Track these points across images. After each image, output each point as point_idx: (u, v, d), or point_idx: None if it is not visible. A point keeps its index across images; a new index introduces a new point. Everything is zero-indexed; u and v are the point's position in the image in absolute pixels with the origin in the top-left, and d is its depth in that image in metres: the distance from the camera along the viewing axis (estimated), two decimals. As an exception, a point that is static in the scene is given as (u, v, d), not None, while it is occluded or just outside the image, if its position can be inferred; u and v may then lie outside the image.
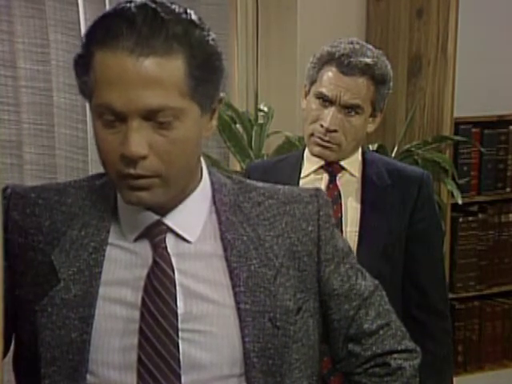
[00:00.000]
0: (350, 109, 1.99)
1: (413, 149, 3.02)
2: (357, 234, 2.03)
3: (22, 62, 2.93)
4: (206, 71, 1.17)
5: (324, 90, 1.99)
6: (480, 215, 3.18)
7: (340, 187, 2.06)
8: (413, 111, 3.07)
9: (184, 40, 1.15)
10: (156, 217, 1.25)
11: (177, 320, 1.21)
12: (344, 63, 1.96)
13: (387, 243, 2.02)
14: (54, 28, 2.94)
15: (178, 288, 1.22)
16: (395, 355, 1.38)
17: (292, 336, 1.25)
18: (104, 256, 1.24)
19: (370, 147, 2.86)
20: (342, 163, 2.07)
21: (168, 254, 1.24)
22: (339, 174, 2.07)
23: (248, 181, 1.36)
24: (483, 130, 3.13)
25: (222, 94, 1.24)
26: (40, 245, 1.26)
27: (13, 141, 2.97)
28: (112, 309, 1.22)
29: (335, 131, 1.99)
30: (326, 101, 1.99)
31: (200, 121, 1.20)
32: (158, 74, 1.13)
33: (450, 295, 2.86)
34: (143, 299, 1.21)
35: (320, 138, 2.00)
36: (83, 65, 1.17)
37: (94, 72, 1.15)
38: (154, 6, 1.14)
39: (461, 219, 3.13)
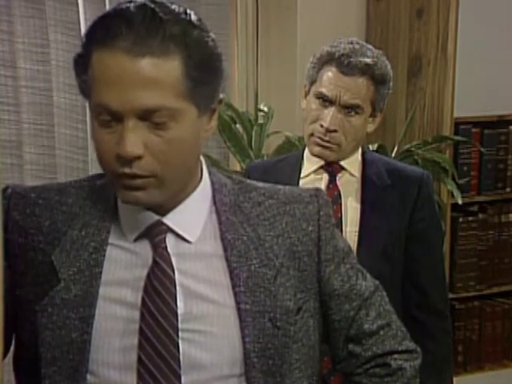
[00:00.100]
0: (349, 109, 1.99)
1: (413, 149, 3.02)
2: (357, 234, 2.03)
3: (22, 61, 2.93)
4: (203, 72, 1.17)
5: (324, 90, 1.99)
6: (480, 215, 3.18)
7: (340, 187, 2.06)
8: (413, 111, 3.07)
9: (182, 40, 1.14)
10: (156, 217, 1.25)
11: (177, 320, 1.21)
12: (344, 63, 1.96)
13: (387, 243, 2.02)
14: (54, 28, 2.94)
15: (178, 288, 1.22)
16: (396, 356, 1.38)
17: (292, 336, 1.25)
18: (104, 256, 1.24)
19: (370, 147, 2.86)
20: (342, 163, 2.07)
21: (168, 254, 1.24)
22: (339, 174, 2.07)
23: (248, 181, 1.36)
24: (483, 130, 3.13)
25: (221, 95, 1.24)
26: (40, 245, 1.26)
27: (13, 141, 2.97)
28: (112, 309, 1.22)
29: (335, 131, 1.99)
30: (325, 101, 1.99)
31: (197, 122, 1.20)
32: (154, 74, 1.13)
33: (450, 295, 2.86)
34: (143, 299, 1.21)
35: (320, 137, 2.00)
36: (82, 64, 1.18)
37: (93, 71, 1.16)
38: (152, 6, 1.14)
39: (461, 219, 3.13)
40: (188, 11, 1.19)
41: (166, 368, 1.20)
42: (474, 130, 3.10)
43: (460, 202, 2.96)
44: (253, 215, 1.29)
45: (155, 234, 1.25)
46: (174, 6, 1.18)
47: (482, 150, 3.11)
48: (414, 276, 2.07)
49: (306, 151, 2.10)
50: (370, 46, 2.04)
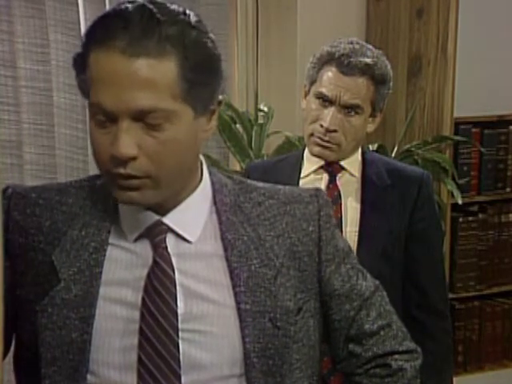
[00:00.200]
0: (349, 109, 1.99)
1: (413, 149, 3.02)
2: (357, 234, 2.03)
3: (22, 61, 2.93)
4: (201, 73, 1.17)
5: (324, 90, 1.99)
6: (480, 215, 3.18)
7: (340, 187, 2.06)
8: (413, 111, 3.07)
9: (178, 42, 1.14)
10: (156, 217, 1.25)
11: (177, 320, 1.21)
12: (344, 63, 1.96)
13: (387, 243, 2.02)
14: (54, 28, 2.94)
15: (178, 288, 1.22)
16: (396, 356, 1.38)
17: (292, 336, 1.25)
18: (104, 256, 1.24)
19: (370, 147, 2.86)
20: (342, 163, 2.07)
21: (168, 253, 1.24)
22: (339, 174, 2.07)
23: (249, 181, 1.36)
24: (483, 130, 3.13)
25: (221, 97, 1.24)
26: (40, 245, 1.26)
27: (13, 141, 2.97)
28: (112, 309, 1.22)
29: (335, 131, 1.99)
30: (325, 101, 1.99)
31: (194, 123, 1.19)
32: (149, 75, 1.13)
33: (450, 295, 2.86)
34: (143, 299, 1.21)
35: (320, 137, 2.01)
36: (81, 64, 1.18)
37: (90, 71, 1.16)
38: (150, 6, 1.14)
39: (461, 219, 3.13)
40: (187, 12, 1.18)
41: (166, 368, 1.20)
42: (474, 129, 3.10)
43: (460, 201, 2.96)
44: (253, 215, 1.28)
45: (155, 234, 1.25)
46: (173, 7, 1.17)
47: (482, 150, 3.11)
48: (413, 276, 2.07)
49: (306, 151, 2.10)
50: (370, 46, 2.04)
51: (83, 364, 1.21)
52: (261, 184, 1.35)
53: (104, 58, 1.13)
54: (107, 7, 2.94)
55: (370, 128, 2.08)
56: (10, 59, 2.93)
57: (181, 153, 1.18)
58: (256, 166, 2.29)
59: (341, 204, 2.04)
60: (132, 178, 1.16)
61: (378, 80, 2.00)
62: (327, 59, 1.99)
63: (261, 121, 3.13)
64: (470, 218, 3.15)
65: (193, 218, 1.26)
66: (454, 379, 2.23)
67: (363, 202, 2.05)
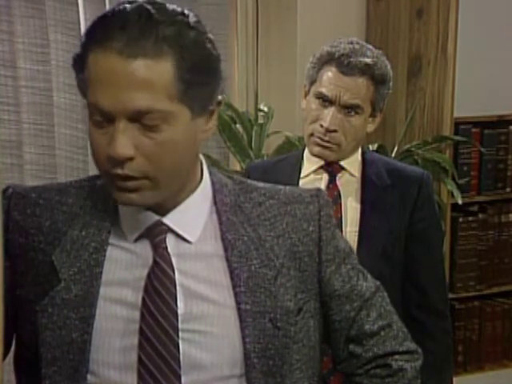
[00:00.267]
0: (349, 109, 1.99)
1: (413, 149, 3.02)
2: (357, 234, 2.03)
3: (22, 61, 2.93)
4: (198, 74, 1.16)
5: (324, 90, 1.99)
6: (480, 215, 3.18)
7: (340, 187, 2.06)
8: (413, 111, 3.07)
9: (175, 42, 1.14)
10: (156, 217, 1.25)
11: (177, 320, 1.21)
12: (344, 63, 1.97)
13: (387, 243, 2.02)
14: (54, 28, 2.94)
15: (178, 288, 1.22)
16: (396, 356, 1.38)
17: (293, 337, 1.25)
18: (105, 256, 1.24)
19: (370, 147, 2.86)
20: (342, 163, 2.07)
21: (168, 254, 1.24)
22: (339, 174, 2.07)
23: (249, 181, 1.36)
24: (483, 130, 3.13)
25: (220, 97, 1.23)
26: (41, 245, 1.26)
27: (13, 141, 2.97)
28: (113, 309, 1.22)
29: (335, 131, 1.99)
30: (325, 101, 1.99)
31: (191, 124, 1.19)
32: (145, 75, 1.12)
33: (450, 295, 2.86)
34: (143, 299, 1.21)
35: (320, 137, 2.01)
36: (80, 64, 1.18)
37: (88, 71, 1.16)
38: (148, 7, 1.14)
39: (461, 219, 3.13)
40: (186, 12, 1.18)
41: (166, 368, 1.20)
42: (474, 129, 3.10)
43: (460, 201, 2.96)
44: (253, 215, 1.28)
45: (155, 234, 1.25)
46: (171, 7, 1.17)
47: (482, 150, 3.11)
48: (414, 276, 2.07)
49: (306, 151, 2.10)
50: (370, 46, 2.04)
51: (83, 364, 1.21)
52: (261, 184, 1.35)
53: (102, 59, 1.13)
54: (107, 7, 2.94)
55: (370, 128, 2.08)
56: (10, 59, 2.93)
57: (178, 153, 1.18)
58: (256, 166, 2.29)
59: (341, 204, 2.04)
60: (130, 178, 1.16)
61: (377, 80, 2.00)
62: (327, 59, 1.99)
63: (261, 121, 3.13)
64: (470, 218, 3.15)
65: (193, 218, 1.26)
66: (454, 379, 2.23)
67: (363, 202, 2.05)
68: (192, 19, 1.18)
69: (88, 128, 1.20)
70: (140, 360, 1.20)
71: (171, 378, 1.20)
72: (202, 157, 1.31)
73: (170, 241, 1.25)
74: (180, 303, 1.22)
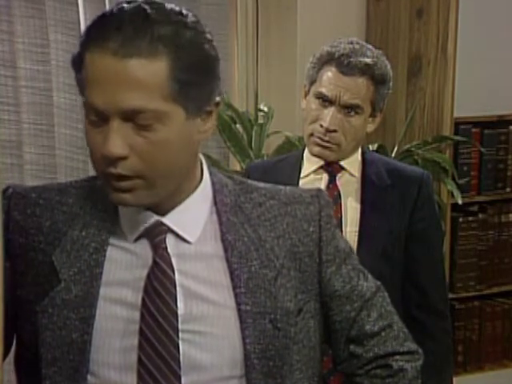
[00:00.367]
0: (349, 109, 1.99)
1: (413, 149, 3.02)
2: (357, 234, 2.03)
3: (22, 61, 2.93)
4: (193, 74, 1.16)
5: (324, 90, 1.99)
6: (480, 215, 3.18)
7: (340, 187, 2.06)
8: (413, 111, 3.07)
9: (171, 42, 1.14)
10: (156, 217, 1.25)
11: (177, 321, 1.21)
12: (344, 63, 1.97)
13: (387, 243, 2.02)
14: (54, 28, 2.94)
15: (178, 289, 1.22)
16: (397, 357, 1.38)
17: (293, 337, 1.25)
18: (105, 256, 1.24)
19: (370, 147, 2.86)
20: (342, 163, 2.07)
21: (168, 254, 1.24)
22: (339, 174, 2.07)
23: (249, 181, 1.35)
24: (483, 130, 3.13)
25: (218, 98, 1.23)
26: (41, 245, 1.26)
27: (13, 141, 2.97)
28: (113, 309, 1.22)
29: (335, 131, 1.99)
30: (325, 101, 1.99)
31: (187, 124, 1.18)
32: (139, 75, 1.12)
33: (450, 295, 2.86)
34: (143, 300, 1.21)
35: (320, 137, 2.01)
36: (78, 63, 1.18)
37: (85, 71, 1.16)
38: (146, 6, 1.14)
39: (461, 219, 3.13)
40: (185, 12, 1.18)
41: (166, 369, 1.20)
42: (474, 129, 3.10)
43: (460, 202, 2.96)
44: (254, 216, 1.28)
45: (155, 235, 1.25)
46: (170, 7, 1.17)
47: (482, 150, 3.11)
48: (414, 276, 2.07)
49: (306, 151, 2.10)
50: (370, 46, 2.04)
51: (83, 364, 1.21)
52: (261, 184, 1.35)
53: (97, 59, 1.13)
54: (107, 7, 2.94)
55: (370, 128, 2.08)
56: (10, 59, 2.93)
57: (172, 153, 1.18)
58: (256, 166, 2.29)
59: (341, 204, 2.04)
60: (123, 178, 1.16)
61: (377, 80, 2.00)
62: (327, 59, 1.99)
63: (261, 121, 3.13)
64: (470, 218, 3.15)
65: (193, 218, 1.26)
66: (454, 379, 2.23)
67: (363, 202, 2.05)
68: (190, 19, 1.18)
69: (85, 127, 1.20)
70: (140, 360, 1.20)
71: (171, 378, 1.20)
72: (202, 157, 1.30)
73: (170, 241, 1.25)
74: (180, 304, 1.22)
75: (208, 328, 1.22)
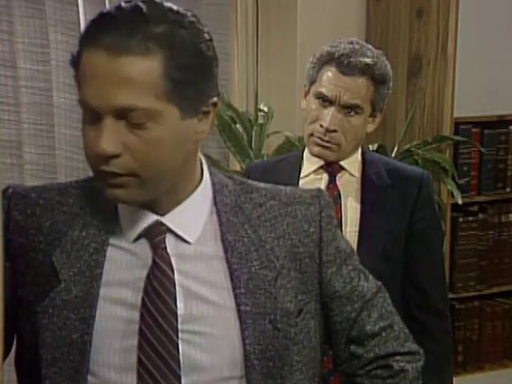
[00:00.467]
0: (349, 109, 1.99)
1: (413, 149, 3.02)
2: (357, 234, 2.03)
3: (22, 61, 2.93)
4: (188, 74, 1.16)
5: (324, 90, 1.99)
6: (480, 215, 3.18)
7: (340, 187, 2.06)
8: (413, 111, 3.07)
9: (165, 41, 1.14)
10: (155, 217, 1.25)
11: (176, 321, 1.20)
12: (344, 63, 1.96)
13: (387, 243, 2.02)
14: (54, 28, 2.94)
15: (178, 289, 1.22)
16: (398, 357, 1.38)
17: (293, 338, 1.25)
18: (105, 257, 1.24)
19: (370, 147, 2.86)
20: (342, 163, 2.07)
21: (168, 254, 1.24)
22: (339, 174, 2.07)
23: (250, 181, 1.35)
24: (483, 130, 3.13)
25: (215, 99, 1.22)
26: (41, 245, 1.26)
27: (13, 141, 2.97)
28: (113, 310, 1.22)
29: (335, 131, 1.99)
30: (325, 101, 1.99)
31: (181, 124, 1.18)
32: (130, 73, 1.12)
33: (450, 295, 2.86)
34: (143, 300, 1.21)
35: (320, 137, 2.00)
36: (76, 62, 1.18)
37: (81, 68, 1.16)
38: (142, 5, 1.14)
39: (461, 219, 3.13)
40: (183, 11, 1.18)
41: (165, 369, 1.20)
42: (474, 130, 3.10)
43: (460, 202, 2.96)
44: (254, 216, 1.28)
45: (154, 235, 1.25)
46: (168, 6, 1.17)
47: (482, 150, 3.11)
48: (414, 276, 2.07)
49: (306, 151, 2.10)
50: (370, 46, 2.04)
51: (84, 365, 1.21)
52: (262, 185, 1.35)
53: (92, 56, 1.14)
54: (107, 7, 2.94)
55: (370, 128, 2.08)
56: (10, 59, 2.93)
57: (166, 152, 1.17)
58: (256, 166, 2.29)
59: (341, 204, 2.04)
60: (116, 175, 1.16)
61: (377, 80, 2.00)
62: (327, 59, 1.99)
63: (261, 121, 3.13)
64: (470, 218, 3.15)
65: (192, 218, 1.26)
66: (454, 379, 2.23)
67: (363, 202, 2.05)
68: (187, 19, 1.17)
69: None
70: (140, 361, 1.20)
71: (171, 378, 1.20)
72: (202, 157, 1.30)
73: (170, 241, 1.25)
74: (180, 304, 1.21)
75: (208, 329, 1.22)
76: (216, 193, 1.28)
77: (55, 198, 1.29)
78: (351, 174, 2.07)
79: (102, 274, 1.23)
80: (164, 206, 1.24)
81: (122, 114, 1.14)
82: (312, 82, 2.03)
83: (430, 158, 2.96)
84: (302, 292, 1.28)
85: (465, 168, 3.10)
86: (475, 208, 3.20)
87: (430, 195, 2.11)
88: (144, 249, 1.25)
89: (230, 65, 3.25)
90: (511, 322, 3.32)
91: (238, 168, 3.07)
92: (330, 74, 1.99)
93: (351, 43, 2.00)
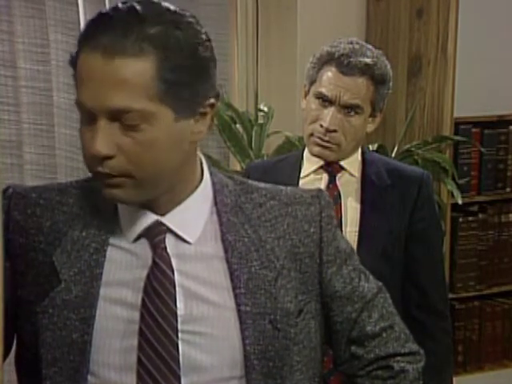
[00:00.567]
0: (349, 109, 1.99)
1: (413, 149, 3.02)
2: (357, 234, 2.03)
3: (22, 61, 2.93)
4: (183, 75, 1.15)
5: (324, 90, 1.99)
6: (480, 215, 3.18)
7: (340, 187, 2.06)
8: (413, 111, 3.07)
9: (159, 42, 1.13)
10: (155, 217, 1.25)
11: (176, 321, 1.20)
12: (344, 63, 1.97)
13: (387, 243, 2.02)
14: (54, 28, 2.94)
15: (178, 289, 1.22)
16: (398, 358, 1.37)
17: (293, 338, 1.25)
18: (105, 257, 1.24)
19: (370, 147, 2.86)
20: (342, 163, 2.07)
21: (167, 254, 1.24)
22: (339, 174, 2.07)
23: (250, 182, 1.35)
24: (483, 130, 3.13)
25: (213, 100, 1.21)
26: (41, 245, 1.26)
27: (13, 141, 2.97)
28: (113, 309, 1.22)
29: (335, 131, 1.99)
30: (325, 101, 1.99)
31: (176, 125, 1.17)
32: (124, 74, 1.12)
33: (450, 295, 2.86)
34: (143, 300, 1.21)
35: (320, 137, 2.01)
36: (74, 62, 1.18)
37: (78, 70, 1.17)
38: (138, 6, 1.14)
39: (461, 219, 3.13)
40: (180, 12, 1.18)
41: (165, 369, 1.19)
42: (474, 129, 3.10)
43: (460, 202, 2.96)
44: (254, 216, 1.28)
45: (154, 235, 1.25)
46: (165, 6, 1.17)
47: (482, 150, 3.11)
48: (414, 276, 2.07)
49: (306, 151, 2.10)
50: (370, 46, 2.04)
51: (84, 365, 1.21)
52: (262, 185, 1.35)
53: (87, 57, 1.14)
54: (107, 7, 2.94)
55: (370, 128, 2.08)
56: (10, 59, 2.93)
57: (161, 154, 1.17)
58: (256, 166, 2.29)
59: (341, 204, 2.04)
60: (111, 176, 1.17)
61: (377, 80, 2.00)
62: (327, 59, 1.99)
63: (261, 121, 3.13)
64: (470, 218, 3.15)
65: (192, 218, 1.26)
66: (454, 379, 2.23)
67: (363, 202, 2.05)
68: (184, 19, 1.17)
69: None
70: (139, 361, 1.20)
71: (171, 379, 1.20)
72: (202, 157, 1.30)
73: (170, 241, 1.25)
74: (180, 304, 1.21)
75: (208, 329, 1.21)
76: (216, 193, 1.28)
77: (55, 198, 1.29)
78: (351, 174, 2.07)
79: (102, 273, 1.23)
80: (164, 206, 1.24)
81: (116, 115, 1.14)
82: (312, 82, 2.03)
83: (430, 158, 2.96)
84: (302, 292, 1.28)
85: (465, 168, 3.10)
86: (475, 208, 3.20)
87: (430, 195, 2.11)
88: (144, 249, 1.25)
89: (229, 65, 3.25)
90: (511, 322, 3.32)
91: (238, 168, 3.07)
92: (329, 73, 1.99)
93: (351, 43, 2.00)
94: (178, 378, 1.20)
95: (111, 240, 1.25)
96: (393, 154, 3.02)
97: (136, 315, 1.21)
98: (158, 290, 1.21)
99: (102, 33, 1.13)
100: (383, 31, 3.23)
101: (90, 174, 1.24)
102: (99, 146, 1.14)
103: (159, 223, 1.25)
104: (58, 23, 2.94)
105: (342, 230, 1.99)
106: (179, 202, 1.25)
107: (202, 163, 1.29)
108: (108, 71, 1.12)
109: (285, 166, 2.14)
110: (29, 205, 1.28)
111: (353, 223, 2.04)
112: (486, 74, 3.01)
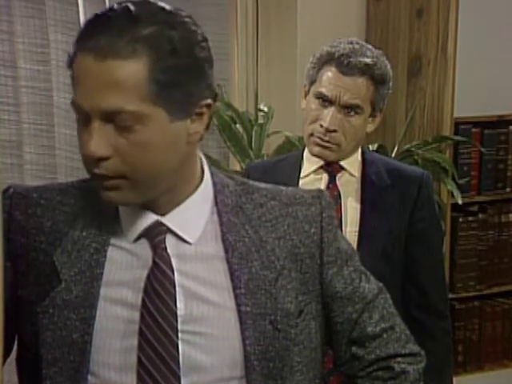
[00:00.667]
0: (349, 109, 1.99)
1: (413, 149, 3.02)
2: (357, 234, 2.03)
3: (22, 61, 2.93)
4: (177, 76, 1.15)
5: (323, 90, 1.99)
6: (480, 215, 3.18)
7: (340, 187, 2.06)
8: (413, 111, 3.07)
9: (152, 42, 1.13)
10: (155, 217, 1.25)
11: (176, 321, 1.20)
12: (344, 63, 1.97)
13: (387, 243, 2.03)
14: (54, 28, 2.94)
15: (178, 289, 1.22)
16: (399, 359, 1.37)
17: (293, 339, 1.25)
18: (105, 257, 1.24)
19: (370, 147, 2.86)
20: (342, 163, 2.07)
21: (168, 254, 1.24)
22: (339, 174, 2.07)
23: (251, 182, 1.35)
24: (483, 130, 3.13)
25: (209, 100, 1.21)
26: (42, 245, 1.26)
27: (13, 141, 2.97)
28: (113, 310, 1.22)
29: (335, 131, 1.99)
30: (325, 101, 2.00)
31: (170, 126, 1.17)
32: (118, 76, 1.12)
33: (450, 295, 2.86)
34: (143, 300, 1.21)
35: (320, 137, 2.01)
36: (71, 63, 1.19)
37: (74, 70, 1.17)
38: (132, 7, 1.14)
39: (461, 219, 3.13)
40: (175, 12, 1.17)
41: (165, 369, 1.19)
42: (474, 129, 3.11)
43: (460, 202, 2.96)
44: (255, 217, 1.28)
45: (155, 235, 1.25)
46: (160, 7, 1.16)
47: (482, 150, 3.12)
48: (414, 276, 2.07)
49: (306, 151, 2.10)
50: (370, 46, 2.04)
51: (84, 365, 1.21)
52: (263, 185, 1.34)
53: (83, 59, 1.14)
54: (107, 7, 2.94)
55: (370, 128, 2.08)
56: (10, 59, 2.93)
57: (156, 155, 1.17)
58: (256, 166, 2.29)
59: (341, 204, 2.04)
60: (107, 177, 1.17)
61: (377, 80, 2.00)
62: (327, 59, 1.99)
63: (261, 121, 3.13)
64: (470, 218, 3.15)
65: (193, 218, 1.26)
66: (454, 379, 2.23)
67: (363, 202, 2.05)
68: (179, 19, 1.17)
69: None
70: (139, 361, 1.20)
71: (171, 379, 1.20)
72: (203, 157, 1.30)
73: (170, 241, 1.25)
74: (180, 304, 1.21)
75: (208, 329, 1.21)
76: (217, 193, 1.28)
77: (56, 198, 1.29)
78: (351, 174, 2.08)
79: (102, 274, 1.23)
80: (164, 206, 1.24)
81: (110, 116, 1.14)
82: (312, 82, 2.03)
83: (430, 158, 2.96)
84: (302, 293, 1.27)
85: (465, 168, 3.10)
86: (475, 208, 3.20)
87: (430, 195, 2.11)
88: (144, 249, 1.25)
89: (229, 65, 3.25)
90: (511, 322, 3.32)
91: (238, 168, 3.07)
92: (329, 74, 1.99)
93: (351, 43, 2.00)
94: (178, 378, 1.20)
95: (112, 240, 1.25)
96: (393, 154, 3.02)
97: (136, 315, 1.21)
98: (158, 290, 1.21)
99: (97, 34, 1.13)
100: (383, 31, 3.23)
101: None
102: (94, 147, 1.14)
103: (159, 223, 1.25)
104: (57, 23, 2.94)
105: (341, 230, 1.98)
106: (179, 203, 1.25)
107: (202, 163, 1.29)
108: (101, 72, 1.12)
109: (285, 166, 2.14)
110: (30, 205, 1.28)
111: (353, 223, 2.04)
112: (486, 74, 3.01)
